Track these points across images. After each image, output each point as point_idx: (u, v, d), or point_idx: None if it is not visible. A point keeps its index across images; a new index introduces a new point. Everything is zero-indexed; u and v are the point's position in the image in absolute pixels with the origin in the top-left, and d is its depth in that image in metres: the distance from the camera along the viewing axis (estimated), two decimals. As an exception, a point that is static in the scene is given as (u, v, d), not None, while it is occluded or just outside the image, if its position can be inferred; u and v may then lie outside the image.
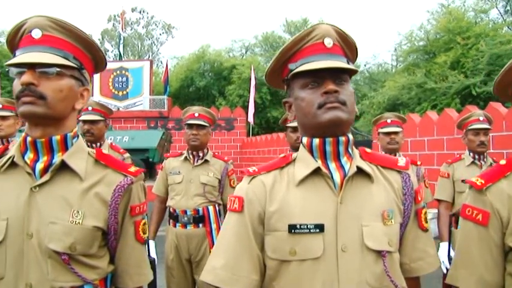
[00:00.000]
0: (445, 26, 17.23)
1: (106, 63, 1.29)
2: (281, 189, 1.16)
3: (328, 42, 1.14)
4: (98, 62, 1.26)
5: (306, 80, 1.14)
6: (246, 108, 19.11)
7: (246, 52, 30.16)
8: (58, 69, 1.11)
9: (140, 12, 43.65)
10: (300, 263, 1.09)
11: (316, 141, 1.16)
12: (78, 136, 1.22)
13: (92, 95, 21.43)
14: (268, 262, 1.14)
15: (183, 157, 3.09)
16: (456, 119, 8.05)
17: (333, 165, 1.16)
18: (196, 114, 3.02)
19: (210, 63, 25.88)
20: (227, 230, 1.18)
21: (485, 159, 3.32)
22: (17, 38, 1.16)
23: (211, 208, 3.00)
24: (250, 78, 18.69)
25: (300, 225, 1.09)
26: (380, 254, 1.09)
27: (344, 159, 1.17)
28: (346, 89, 1.14)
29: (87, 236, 1.13)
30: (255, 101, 18.73)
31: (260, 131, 22.21)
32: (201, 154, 3.08)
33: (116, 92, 21.09)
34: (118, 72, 21.15)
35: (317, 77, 1.13)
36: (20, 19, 1.16)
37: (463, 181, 3.31)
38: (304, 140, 1.19)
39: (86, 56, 1.20)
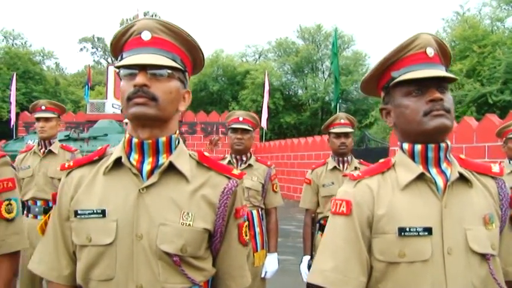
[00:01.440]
0: (460, 34, 17.18)
1: (203, 65, 1.29)
2: (387, 193, 1.19)
3: (430, 51, 1.18)
4: (196, 64, 1.26)
5: (410, 88, 1.17)
6: (259, 113, 19.14)
7: (259, 57, 30.28)
8: (169, 71, 1.12)
9: (152, 16, 44.10)
10: (408, 265, 1.11)
11: (418, 147, 1.19)
12: (179, 138, 1.22)
13: (106, 98, 21.67)
14: (376, 264, 1.16)
15: (226, 161, 3.09)
16: (475, 128, 8.05)
17: (434, 171, 1.19)
18: (241, 119, 3.03)
19: (224, 67, 26.00)
20: (334, 233, 1.20)
21: (525, 168, 3.32)
22: (122, 40, 1.17)
23: (254, 212, 3.01)
24: (263, 84, 18.73)
25: (410, 228, 1.12)
26: (484, 257, 1.12)
27: (444, 165, 1.20)
28: (448, 97, 1.17)
29: (197, 237, 1.13)
30: (268, 106, 18.77)
31: (273, 136, 22.26)
32: (244, 158, 3.08)
33: (130, 95, 21.19)
34: (132, 75, 21.26)
35: (421, 85, 1.16)
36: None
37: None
38: (406, 145, 1.22)
39: (188, 58, 1.21)
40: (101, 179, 1.17)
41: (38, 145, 3.46)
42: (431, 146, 1.18)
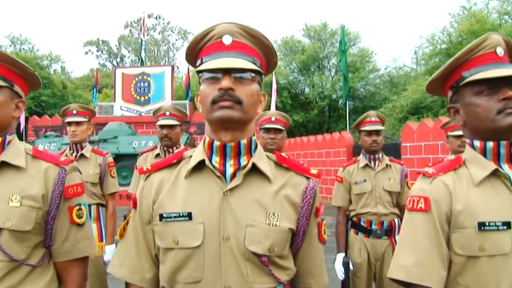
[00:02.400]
0: (468, 29, 17.14)
1: (275, 68, 1.31)
2: (462, 189, 1.23)
3: (500, 51, 1.23)
4: (270, 66, 1.28)
5: (481, 87, 1.21)
6: (267, 112, 19.08)
7: (265, 56, 30.14)
8: (252, 74, 1.14)
9: (156, 18, 44.10)
10: (489, 259, 1.15)
11: (490, 144, 1.23)
12: (257, 140, 1.24)
13: (114, 100, 21.78)
14: (455, 258, 1.20)
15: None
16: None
17: (506, 167, 1.23)
18: (273, 118, 3.05)
19: (230, 67, 25.96)
20: (413, 229, 1.24)
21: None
22: (200, 44, 1.18)
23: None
24: (271, 83, 18.72)
25: (489, 222, 1.16)
26: None
27: None
28: None
29: (283, 237, 1.15)
30: (276, 105, 18.76)
31: (281, 135, 22.24)
32: (277, 158, 3.10)
33: (138, 97, 21.29)
34: (140, 77, 21.37)
35: (492, 84, 1.20)
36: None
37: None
38: (477, 143, 1.26)
39: (264, 61, 1.22)
40: (183, 182, 1.19)
41: (70, 149, 3.46)
42: (503, 142, 1.22)
